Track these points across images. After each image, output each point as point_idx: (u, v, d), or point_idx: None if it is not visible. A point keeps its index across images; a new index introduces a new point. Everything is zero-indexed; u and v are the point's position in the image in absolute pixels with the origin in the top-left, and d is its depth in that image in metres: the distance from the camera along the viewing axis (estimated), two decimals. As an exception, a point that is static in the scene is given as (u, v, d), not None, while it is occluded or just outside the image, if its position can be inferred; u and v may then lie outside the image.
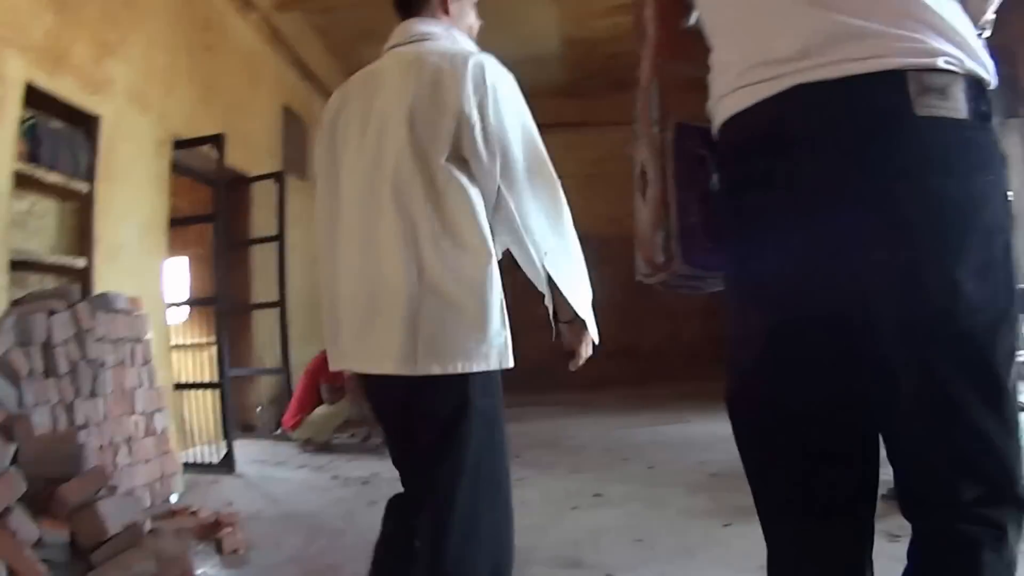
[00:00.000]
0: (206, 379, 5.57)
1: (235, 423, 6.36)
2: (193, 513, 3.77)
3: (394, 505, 1.83)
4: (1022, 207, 6.83)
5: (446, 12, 1.76)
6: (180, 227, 5.49)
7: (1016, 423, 1.07)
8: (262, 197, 6.46)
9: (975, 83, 1.08)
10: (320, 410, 5.84)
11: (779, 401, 1.20)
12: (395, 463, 1.84)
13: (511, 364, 1.63)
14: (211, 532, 3.45)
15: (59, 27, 3.69)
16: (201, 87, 5.42)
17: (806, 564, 1.21)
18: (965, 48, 1.08)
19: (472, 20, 1.84)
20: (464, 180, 1.59)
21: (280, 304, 6.36)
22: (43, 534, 2.65)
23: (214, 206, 5.21)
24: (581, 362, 1.72)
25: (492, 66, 1.63)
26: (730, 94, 1.22)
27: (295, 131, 7.75)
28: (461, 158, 1.59)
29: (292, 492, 4.46)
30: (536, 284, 1.68)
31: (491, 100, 1.58)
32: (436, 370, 1.56)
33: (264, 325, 6.54)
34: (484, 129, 1.57)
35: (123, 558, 2.73)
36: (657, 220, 1.34)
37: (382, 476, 4.75)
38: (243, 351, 6.59)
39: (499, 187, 1.60)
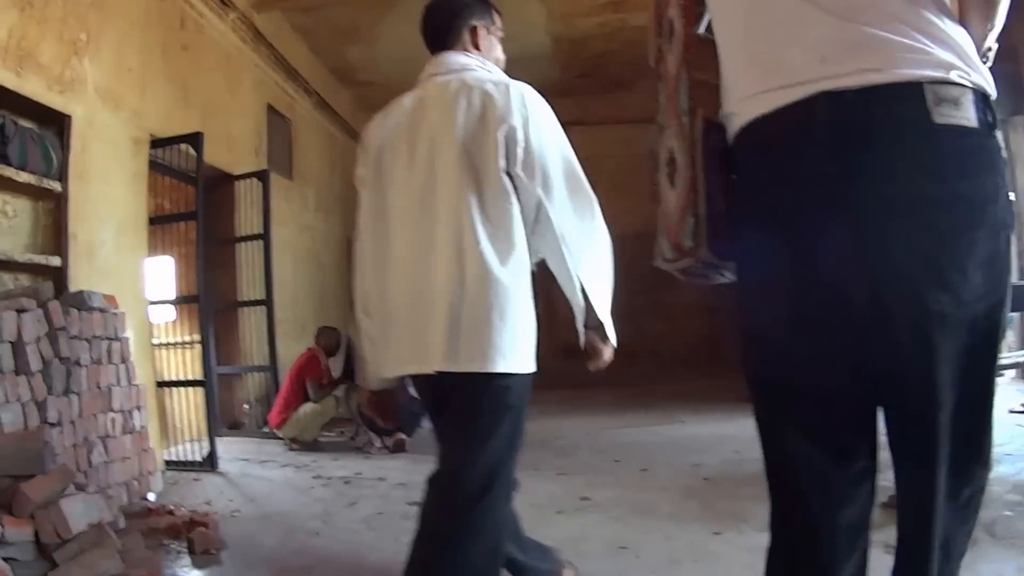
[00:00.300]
0: (194, 377, 5.54)
1: (222, 421, 6.38)
2: (169, 512, 3.76)
3: None
4: (1028, 204, 6.75)
5: (476, 47, 1.94)
6: (164, 225, 5.48)
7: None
8: (247, 195, 6.45)
9: (981, 95, 1.19)
10: (306, 408, 5.82)
11: (801, 384, 1.30)
12: None
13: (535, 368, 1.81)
14: (185, 531, 3.44)
15: (24, 26, 3.67)
16: (178, 86, 5.40)
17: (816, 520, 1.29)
18: (970, 63, 1.19)
19: (499, 54, 2.02)
20: (511, 196, 1.74)
21: (267, 302, 6.35)
22: (5, 532, 2.65)
23: (195, 204, 5.17)
24: (602, 365, 1.91)
25: (531, 93, 1.82)
26: (750, 98, 1.29)
27: (280, 130, 7.75)
28: (508, 175, 1.74)
29: (272, 491, 4.45)
30: (566, 291, 1.84)
31: (533, 122, 1.76)
32: (476, 368, 1.71)
33: (251, 323, 6.54)
34: (527, 148, 1.74)
35: (87, 557, 2.72)
36: (687, 205, 1.41)
37: (364, 476, 4.74)
38: (230, 349, 6.60)
39: (539, 201, 1.75)
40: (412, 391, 5.67)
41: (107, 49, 4.44)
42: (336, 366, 6.25)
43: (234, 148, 6.49)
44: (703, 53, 1.45)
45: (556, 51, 8.51)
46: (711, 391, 7.32)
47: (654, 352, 9.90)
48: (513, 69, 1.91)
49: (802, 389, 1.29)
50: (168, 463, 4.85)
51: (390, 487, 4.43)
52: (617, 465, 4.68)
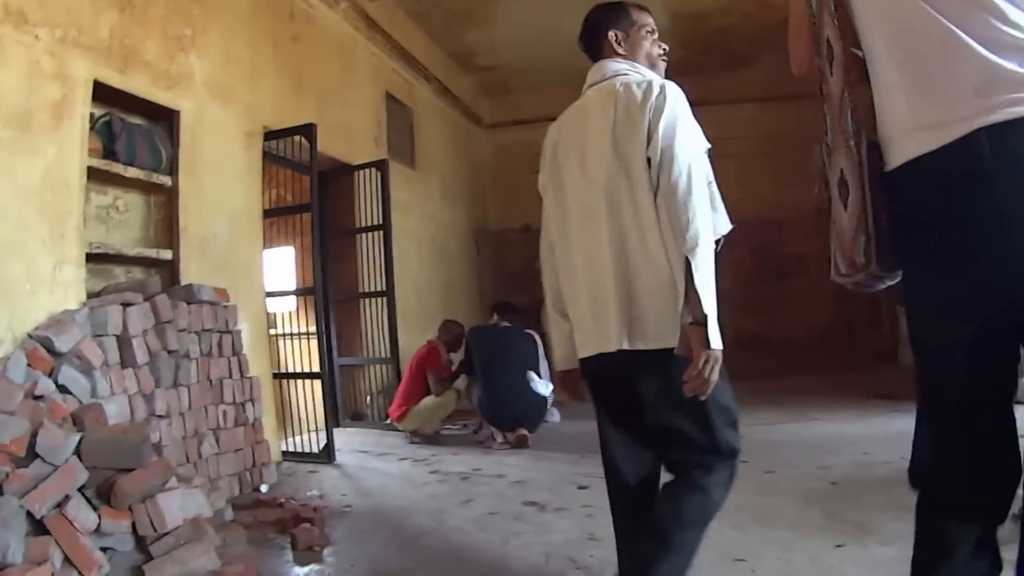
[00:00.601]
0: (316, 368, 5.55)
1: (345, 412, 6.41)
2: (279, 505, 3.72)
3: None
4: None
5: (621, 51, 2.10)
6: (286, 217, 5.50)
7: None
8: (367, 185, 6.41)
9: None
10: (427, 401, 5.72)
11: (964, 385, 1.42)
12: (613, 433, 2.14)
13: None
14: (291, 525, 3.37)
15: (125, 25, 3.71)
16: (290, 78, 5.41)
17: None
18: None
19: (648, 49, 2.13)
20: (650, 185, 1.87)
21: (387, 293, 6.30)
22: (102, 524, 2.63)
23: (309, 196, 5.15)
24: (701, 378, 1.77)
25: (671, 89, 1.92)
26: (911, 132, 1.40)
27: (400, 118, 7.70)
28: (649, 166, 1.88)
29: (387, 485, 4.34)
30: (670, 286, 1.85)
31: (667, 117, 1.86)
32: (641, 346, 1.88)
33: (374, 314, 6.51)
34: (661, 140, 1.85)
35: (181, 552, 2.65)
36: (859, 226, 1.53)
37: (483, 472, 4.57)
38: (352, 340, 6.61)
39: (663, 188, 1.83)
40: (538, 386, 5.47)
41: (214, 43, 4.47)
42: (457, 360, 6.09)
43: (352, 138, 6.48)
44: (863, 71, 1.54)
45: (674, 27, 8.06)
46: (842, 385, 7.04)
47: (785, 341, 9.29)
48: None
49: (966, 388, 1.41)
50: (285, 454, 4.87)
51: (507, 485, 4.23)
52: (743, 466, 4.27)
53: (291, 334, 5.85)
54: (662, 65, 2.14)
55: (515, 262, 10.01)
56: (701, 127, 1.93)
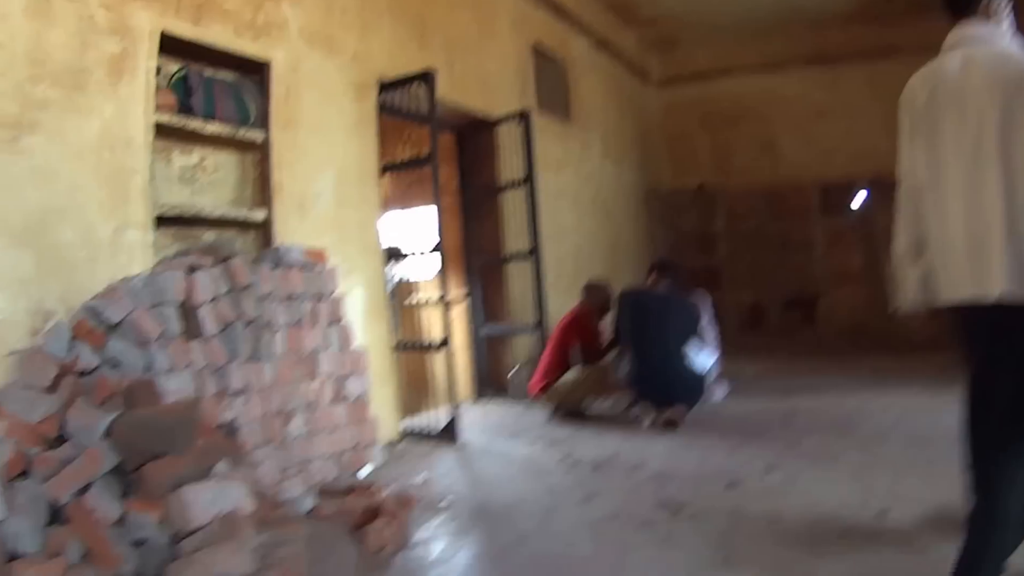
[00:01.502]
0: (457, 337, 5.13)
1: (489, 384, 5.98)
2: (375, 492, 3.32)
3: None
4: None
5: (989, 14, 2.14)
6: (424, 176, 5.08)
7: None
8: (512, 142, 5.86)
9: None
10: (570, 375, 5.11)
11: None
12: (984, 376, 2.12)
13: None
14: (375, 519, 2.94)
15: (198, -26, 3.40)
16: (411, 26, 4.95)
17: None
18: None
19: (1007, 18, 2.18)
20: None
21: (534, 253, 5.75)
22: (130, 515, 2.35)
23: (446, 150, 4.68)
24: None
25: None
26: None
27: (550, 71, 7.09)
28: None
29: (504, 473, 3.83)
30: None
31: None
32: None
33: (522, 279, 5.97)
34: None
35: (206, 554, 2.29)
36: None
37: (621, 459, 3.95)
38: (497, 307, 6.13)
39: None
40: (698, 360, 4.72)
41: (313, -12, 4.10)
42: (607, 327, 5.40)
43: (493, 91, 5.97)
44: None
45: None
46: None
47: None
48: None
49: None
50: (406, 433, 4.51)
51: (644, 478, 3.58)
52: (930, 465, 3.41)
53: (414, 304, 5.49)
54: None
55: (689, 223, 9.32)
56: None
